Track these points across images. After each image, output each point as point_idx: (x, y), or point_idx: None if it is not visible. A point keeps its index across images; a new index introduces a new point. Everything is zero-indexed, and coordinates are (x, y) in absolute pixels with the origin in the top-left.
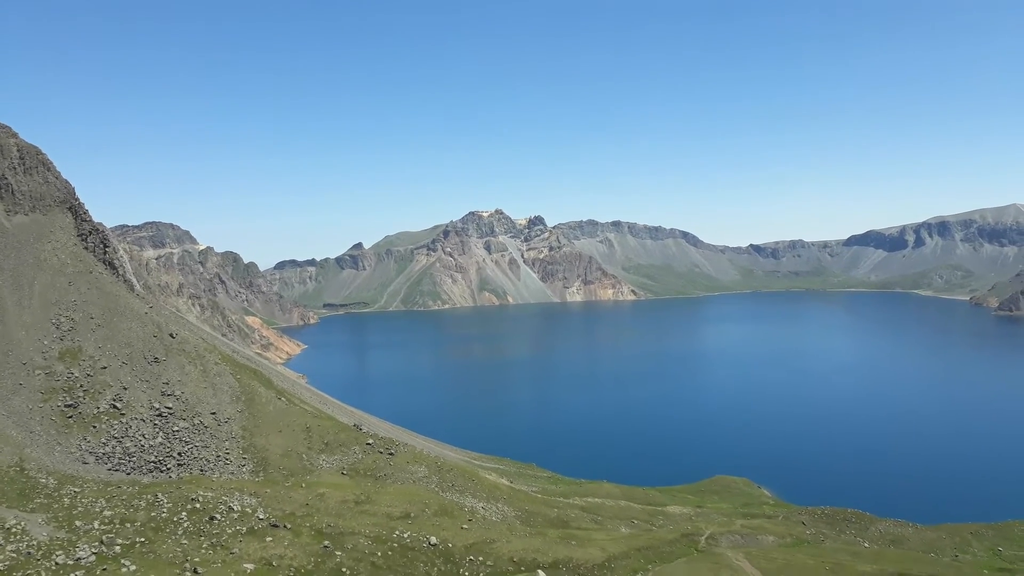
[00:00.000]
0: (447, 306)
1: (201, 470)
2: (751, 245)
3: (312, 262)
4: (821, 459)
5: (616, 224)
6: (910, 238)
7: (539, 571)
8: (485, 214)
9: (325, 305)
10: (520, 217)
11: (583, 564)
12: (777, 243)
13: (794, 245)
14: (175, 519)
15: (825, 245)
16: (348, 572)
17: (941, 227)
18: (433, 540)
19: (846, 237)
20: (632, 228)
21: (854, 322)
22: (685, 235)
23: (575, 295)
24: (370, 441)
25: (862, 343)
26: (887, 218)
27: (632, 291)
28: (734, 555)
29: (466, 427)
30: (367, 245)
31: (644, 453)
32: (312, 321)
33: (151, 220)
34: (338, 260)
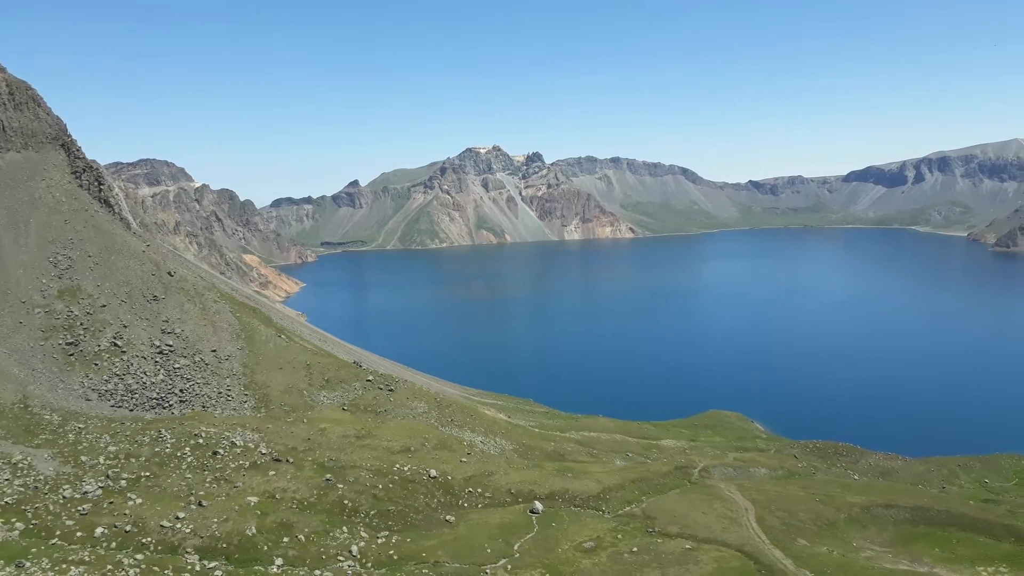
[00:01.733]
0: (444, 245)
1: (203, 407)
2: (750, 181)
3: (308, 200)
4: (814, 394)
5: (615, 160)
6: (910, 174)
7: (536, 502)
8: (482, 151)
9: (322, 244)
10: (518, 154)
11: (579, 495)
12: (776, 179)
13: (793, 181)
14: (179, 454)
15: (824, 181)
16: (350, 504)
17: (942, 162)
18: (433, 473)
19: (846, 173)
20: (631, 165)
21: (851, 258)
22: (684, 171)
23: (573, 233)
24: (370, 378)
25: (858, 280)
26: (888, 154)
27: (630, 229)
28: (726, 487)
29: (465, 364)
30: (363, 183)
31: (640, 388)
32: (310, 259)
33: (145, 157)
34: (335, 198)
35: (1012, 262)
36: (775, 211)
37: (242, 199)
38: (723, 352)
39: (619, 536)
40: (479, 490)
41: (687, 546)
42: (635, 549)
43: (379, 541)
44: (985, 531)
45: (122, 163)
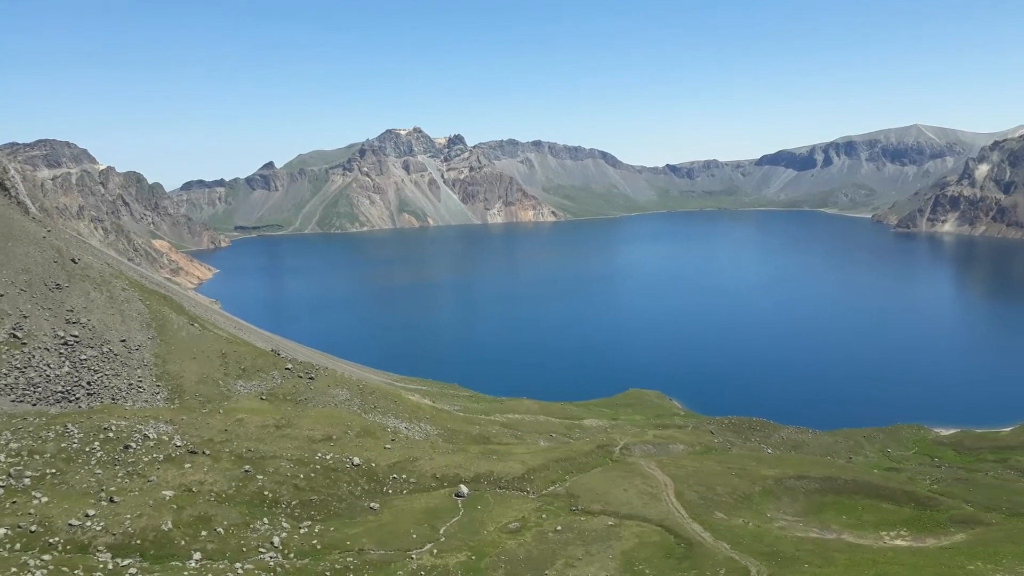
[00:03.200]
0: (365, 228)
1: (112, 399)
2: (667, 165)
3: (221, 182)
4: (730, 372)
5: (537, 144)
6: (819, 157)
7: (461, 486)
8: (403, 132)
9: (236, 228)
10: (439, 136)
11: (504, 477)
12: (692, 163)
13: (708, 165)
14: (87, 449)
15: (738, 165)
16: (270, 495)
17: (848, 147)
18: (356, 460)
19: (758, 157)
20: (552, 148)
21: (764, 239)
22: (604, 155)
23: (496, 217)
24: (289, 366)
25: (770, 260)
26: (798, 138)
27: (552, 212)
28: (646, 463)
29: (389, 350)
30: (279, 164)
31: (563, 370)
32: (224, 244)
33: (44, 138)
34: (249, 180)
35: (912, 242)
36: (691, 194)
37: (150, 182)
38: (643, 332)
39: (543, 516)
40: (404, 476)
41: (609, 522)
42: (559, 528)
43: (301, 531)
44: (888, 498)
45: (18, 143)
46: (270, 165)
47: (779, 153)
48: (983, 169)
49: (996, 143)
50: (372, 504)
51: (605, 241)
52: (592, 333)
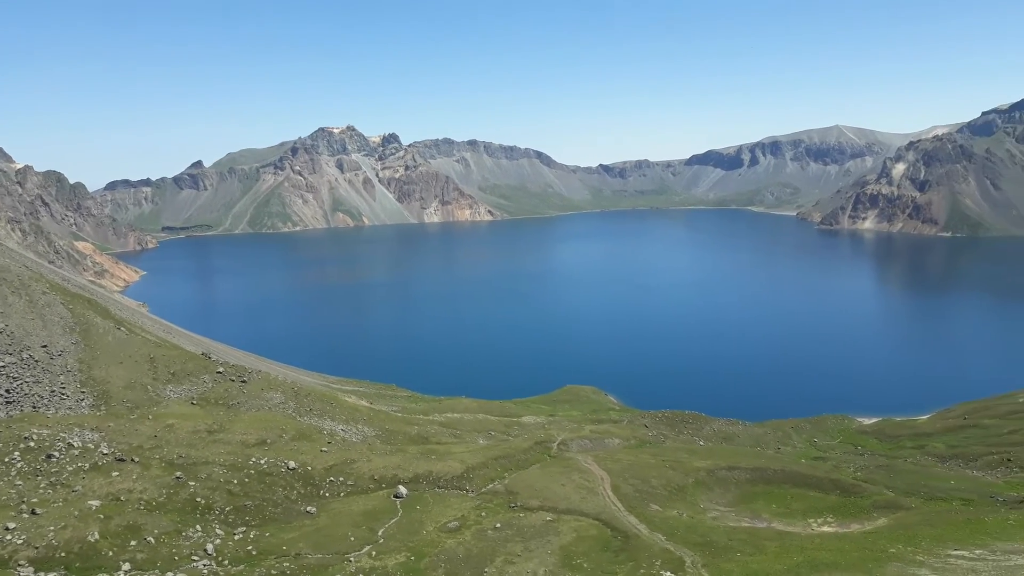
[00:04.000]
0: (298, 228)
1: (34, 407)
2: (600, 165)
3: (147, 182)
4: (663, 367)
5: (472, 143)
6: (746, 157)
7: (399, 486)
8: (336, 131)
9: (164, 228)
10: (374, 135)
11: (443, 477)
12: (625, 163)
13: (640, 165)
14: (6, 460)
15: (669, 165)
16: (203, 501)
17: (773, 147)
18: (292, 464)
19: (688, 157)
20: (488, 147)
21: (694, 237)
22: (539, 155)
23: (433, 216)
24: (221, 369)
25: (701, 257)
26: (726, 139)
27: (489, 211)
28: (583, 458)
29: (324, 352)
30: (208, 163)
31: (501, 368)
32: (151, 246)
33: None
34: (176, 180)
35: (835, 238)
36: (624, 193)
37: (72, 182)
38: (579, 329)
39: (483, 513)
40: (341, 478)
41: (548, 518)
42: (498, 525)
43: (236, 537)
44: (815, 486)
45: None
46: (199, 164)
47: (708, 153)
48: (900, 168)
49: (911, 143)
50: (309, 508)
51: (541, 240)
52: (529, 331)
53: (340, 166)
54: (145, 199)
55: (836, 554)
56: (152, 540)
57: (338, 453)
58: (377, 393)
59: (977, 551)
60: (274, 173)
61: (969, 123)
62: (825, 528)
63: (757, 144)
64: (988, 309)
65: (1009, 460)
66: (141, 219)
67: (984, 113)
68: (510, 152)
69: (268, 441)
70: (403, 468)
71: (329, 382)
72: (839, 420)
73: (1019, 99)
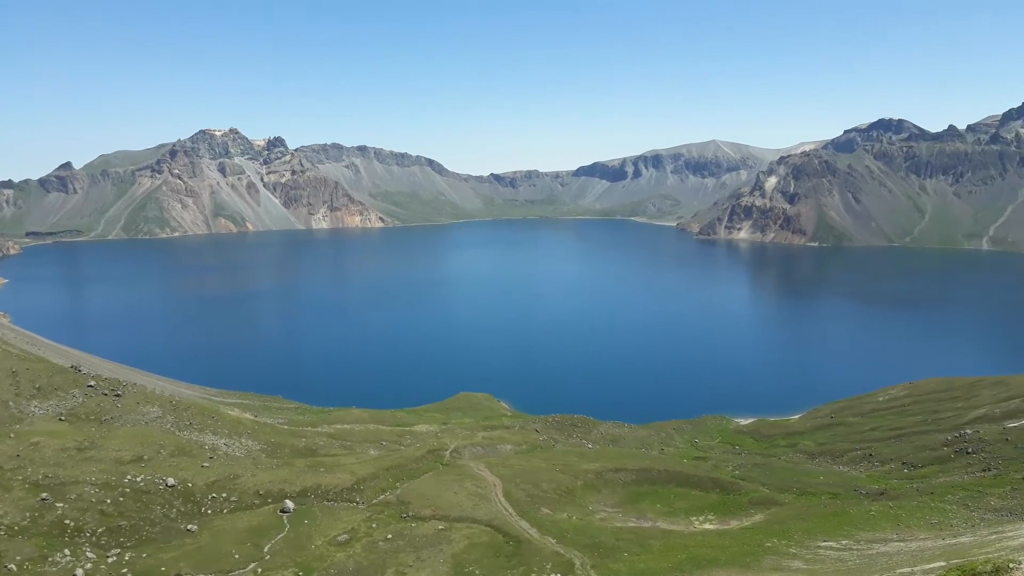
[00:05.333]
0: (177, 234)
1: None
2: (492, 174)
3: (9, 184)
4: (553, 372)
5: (362, 149)
6: (629, 169)
7: (286, 501)
8: (218, 133)
9: (28, 234)
10: (258, 138)
11: (332, 489)
12: (515, 173)
13: (530, 175)
14: None
15: (557, 175)
16: (72, 523)
17: (655, 160)
18: (171, 481)
19: (575, 168)
20: (378, 154)
21: (583, 246)
22: (431, 163)
23: (321, 222)
24: (92, 383)
25: (589, 265)
26: (611, 151)
27: (380, 218)
28: (476, 465)
29: (205, 363)
30: (78, 165)
31: (393, 376)
32: (13, 252)
33: None
34: (42, 182)
35: (712, 248)
36: (515, 203)
37: None
38: (471, 336)
39: (374, 525)
40: (224, 495)
41: (440, 527)
42: (390, 536)
43: (109, 560)
44: (696, 485)
45: None
46: (67, 166)
47: (594, 165)
48: (772, 182)
49: (782, 158)
50: (189, 526)
51: (434, 247)
52: (422, 339)
53: (222, 170)
54: (7, 202)
55: (717, 550)
56: (14, 567)
57: (221, 468)
58: (262, 405)
59: (844, 541)
60: (151, 176)
61: (833, 140)
62: (707, 525)
63: (640, 157)
64: (851, 314)
65: (871, 455)
66: (2, 223)
67: (846, 131)
68: (401, 159)
69: (145, 457)
70: (290, 482)
71: (210, 395)
72: (718, 421)
73: (876, 119)
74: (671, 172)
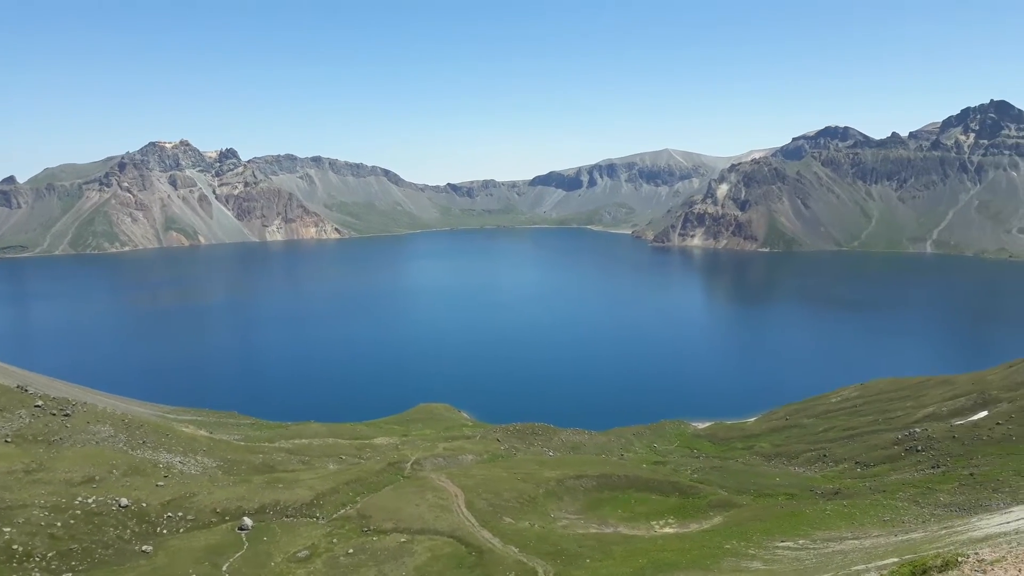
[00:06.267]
0: (127, 248)
1: None
2: (448, 184)
3: None
4: (513, 380)
5: (317, 160)
6: (585, 178)
7: (244, 518)
8: (168, 145)
9: None
10: (210, 150)
11: (291, 505)
12: (472, 183)
13: (487, 185)
14: None
15: (513, 185)
16: (21, 548)
17: (610, 169)
18: (124, 502)
19: (531, 178)
20: (333, 164)
21: (540, 255)
22: (387, 173)
23: (275, 234)
24: (39, 403)
25: (547, 274)
26: (566, 160)
27: (336, 229)
28: (437, 476)
29: (158, 380)
30: (22, 179)
31: (351, 389)
32: None
33: None
34: None
35: (667, 255)
36: (472, 212)
37: None
38: (430, 347)
39: (334, 540)
40: (180, 514)
41: (402, 540)
42: (351, 551)
43: None
44: (656, 489)
45: None
46: (10, 180)
47: (550, 174)
48: (723, 189)
49: (733, 166)
50: (144, 547)
51: (391, 258)
52: (380, 350)
53: (173, 182)
54: None
55: (677, 554)
56: None
57: (176, 487)
58: (217, 422)
59: (800, 541)
60: (99, 190)
61: (782, 147)
62: (667, 529)
63: (595, 166)
64: (803, 318)
65: (825, 456)
66: None
67: (794, 139)
68: (357, 169)
69: (96, 478)
70: (248, 499)
71: (164, 412)
72: (676, 425)
73: (823, 127)
74: (625, 181)
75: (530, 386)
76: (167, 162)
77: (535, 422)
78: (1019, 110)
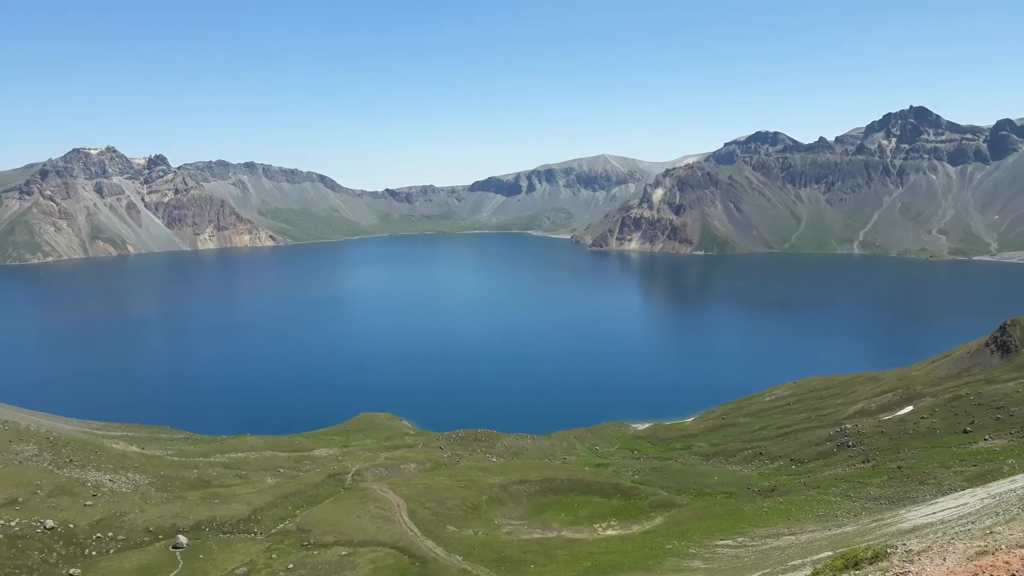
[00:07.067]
0: (50, 259)
1: None
2: (387, 190)
3: None
4: (454, 388)
5: (250, 165)
6: (524, 184)
7: (179, 536)
8: (94, 152)
9: None
10: (138, 156)
11: (228, 521)
12: (411, 188)
13: (426, 190)
14: None
15: (453, 190)
16: None
17: (548, 174)
18: (49, 523)
19: (471, 183)
20: (267, 170)
21: (481, 260)
22: (323, 179)
23: (208, 242)
24: None
25: (487, 279)
26: (505, 166)
27: (271, 236)
28: (379, 487)
29: (84, 395)
30: None
31: (289, 401)
32: None
33: None
34: None
35: (605, 259)
36: (411, 218)
37: None
38: (370, 355)
39: (273, 555)
40: (110, 534)
41: (343, 552)
42: (291, 566)
43: None
44: (598, 492)
45: None
46: None
47: (489, 180)
48: (659, 194)
49: (668, 171)
50: (72, 570)
51: (328, 265)
52: (318, 360)
53: (100, 190)
54: None
55: (620, 556)
56: None
57: (105, 506)
58: (149, 437)
59: (739, 539)
60: (20, 198)
61: (715, 152)
62: (609, 531)
63: (534, 172)
64: (737, 318)
65: (761, 453)
66: None
67: (726, 144)
68: (291, 175)
69: (20, 500)
70: (182, 516)
71: (92, 428)
72: (617, 427)
73: (754, 132)
74: (564, 186)
75: (472, 392)
76: (93, 169)
77: (478, 428)
78: (937, 116)
